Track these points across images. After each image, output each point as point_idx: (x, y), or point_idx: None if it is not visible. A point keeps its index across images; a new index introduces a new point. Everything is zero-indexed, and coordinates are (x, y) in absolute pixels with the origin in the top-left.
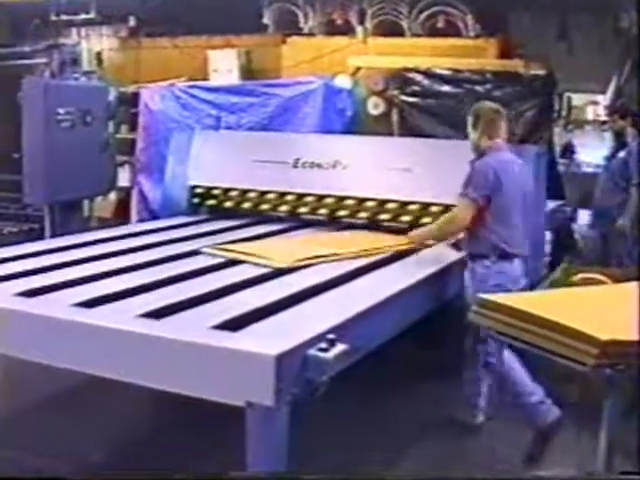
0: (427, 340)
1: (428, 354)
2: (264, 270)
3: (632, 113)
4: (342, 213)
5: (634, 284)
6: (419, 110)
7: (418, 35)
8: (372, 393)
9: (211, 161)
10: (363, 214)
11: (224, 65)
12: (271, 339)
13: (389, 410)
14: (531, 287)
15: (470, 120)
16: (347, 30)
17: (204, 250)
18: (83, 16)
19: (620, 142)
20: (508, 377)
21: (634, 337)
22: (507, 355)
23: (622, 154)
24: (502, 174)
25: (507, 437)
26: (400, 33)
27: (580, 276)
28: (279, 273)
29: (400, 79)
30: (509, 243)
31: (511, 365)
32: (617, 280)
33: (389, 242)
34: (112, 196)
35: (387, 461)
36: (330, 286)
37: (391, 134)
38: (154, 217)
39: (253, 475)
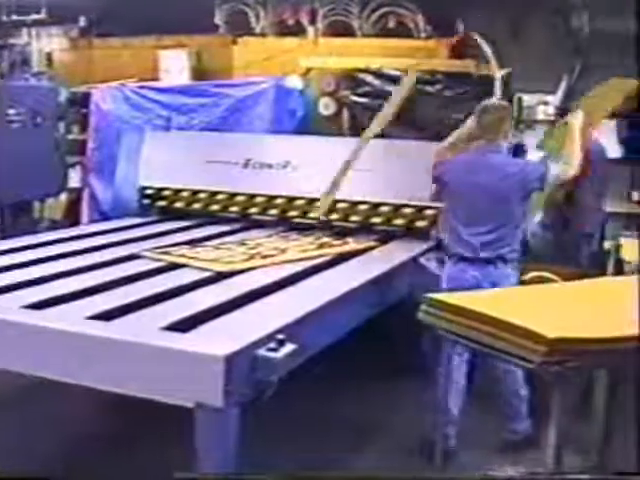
0: (382, 339)
1: (383, 354)
2: (210, 272)
3: None
4: (292, 213)
5: (583, 282)
6: (370, 110)
7: (369, 36)
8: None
9: (162, 162)
10: (313, 214)
11: (175, 65)
12: (220, 340)
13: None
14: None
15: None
16: (299, 30)
17: (145, 254)
18: (34, 16)
19: None
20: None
21: (582, 334)
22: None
23: None
24: (454, 173)
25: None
26: (352, 34)
27: (531, 275)
28: (226, 275)
29: (351, 80)
30: (449, 244)
31: (453, 384)
32: (567, 278)
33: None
34: (63, 197)
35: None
36: (279, 287)
37: (342, 134)
38: (105, 218)
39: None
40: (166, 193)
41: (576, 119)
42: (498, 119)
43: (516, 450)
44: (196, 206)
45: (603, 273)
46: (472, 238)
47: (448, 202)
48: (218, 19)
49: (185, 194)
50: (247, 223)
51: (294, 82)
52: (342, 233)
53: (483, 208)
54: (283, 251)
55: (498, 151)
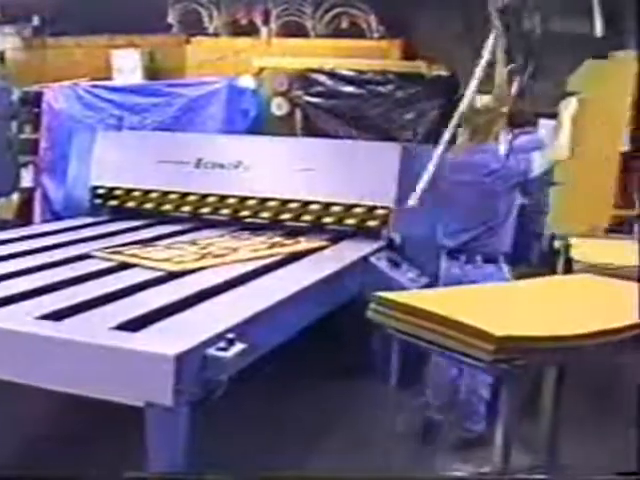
0: (333, 338)
1: (334, 353)
2: (161, 272)
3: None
4: (244, 213)
5: (533, 281)
6: (323, 111)
7: (322, 36)
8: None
9: (113, 161)
10: (265, 214)
11: (127, 64)
12: (170, 339)
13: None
14: (430, 285)
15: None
16: (252, 31)
17: (96, 254)
18: None
19: None
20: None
21: (530, 332)
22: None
23: None
24: (443, 172)
25: None
26: (305, 34)
27: None
28: (177, 275)
29: (304, 80)
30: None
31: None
32: (517, 277)
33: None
34: (15, 197)
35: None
36: (229, 286)
37: (294, 135)
38: (57, 218)
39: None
40: (118, 193)
41: (567, 109)
42: (487, 121)
43: (469, 449)
44: (148, 206)
45: (553, 272)
46: (461, 233)
47: (439, 200)
48: (171, 18)
49: (137, 194)
50: (199, 223)
51: (247, 82)
52: (294, 233)
53: (471, 204)
54: (235, 250)
55: (485, 151)
